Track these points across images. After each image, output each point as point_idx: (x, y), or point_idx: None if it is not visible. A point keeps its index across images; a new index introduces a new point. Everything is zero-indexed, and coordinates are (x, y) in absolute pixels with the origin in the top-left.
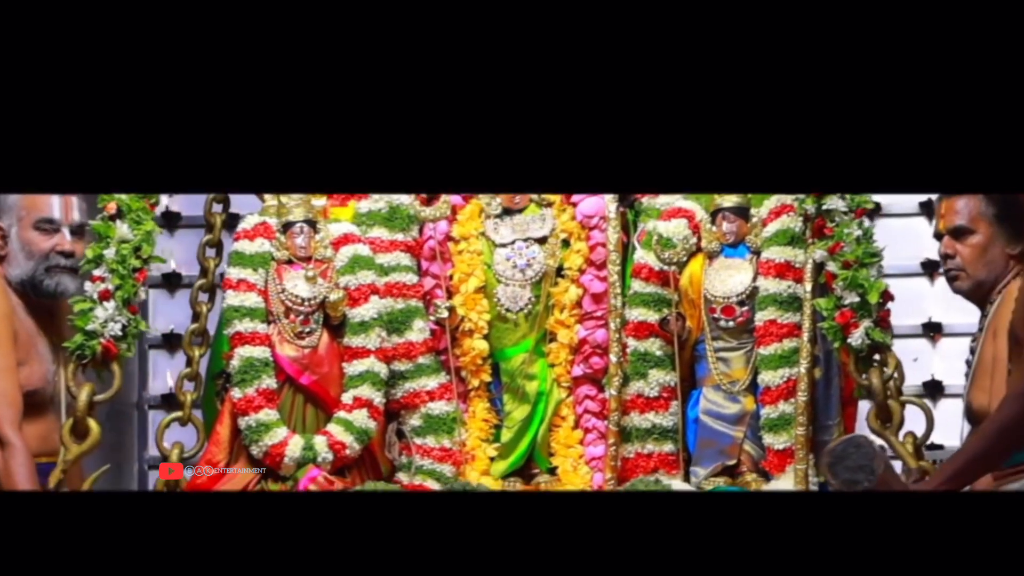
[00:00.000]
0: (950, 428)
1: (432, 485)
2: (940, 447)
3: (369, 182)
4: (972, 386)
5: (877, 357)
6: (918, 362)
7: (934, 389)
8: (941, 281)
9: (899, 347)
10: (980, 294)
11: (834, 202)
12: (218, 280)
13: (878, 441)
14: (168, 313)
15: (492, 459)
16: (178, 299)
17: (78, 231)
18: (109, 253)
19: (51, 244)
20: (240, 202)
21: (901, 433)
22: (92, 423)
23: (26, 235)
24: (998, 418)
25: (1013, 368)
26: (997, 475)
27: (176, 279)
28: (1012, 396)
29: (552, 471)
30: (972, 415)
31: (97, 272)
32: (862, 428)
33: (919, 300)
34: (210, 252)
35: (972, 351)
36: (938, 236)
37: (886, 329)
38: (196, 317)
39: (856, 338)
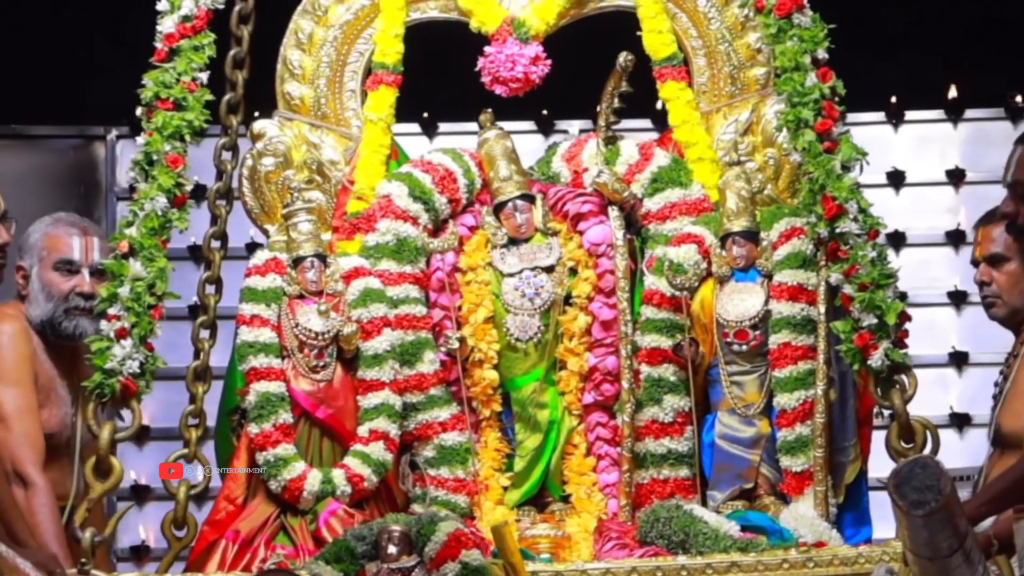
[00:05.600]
0: (978, 456)
1: None
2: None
3: None
4: (1003, 410)
5: (897, 377)
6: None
7: (961, 420)
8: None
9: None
10: (1015, 320)
11: (847, 224)
12: (229, 316)
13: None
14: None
15: (506, 488)
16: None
17: (98, 272)
18: (123, 291)
19: (71, 285)
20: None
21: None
22: (115, 461)
23: (46, 276)
24: None
25: None
26: (1017, 509)
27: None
28: None
29: (566, 499)
30: (1001, 438)
31: (112, 310)
32: (878, 448)
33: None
34: (210, 289)
35: (1004, 376)
36: (975, 263)
37: (904, 349)
38: (197, 354)
39: (876, 359)
